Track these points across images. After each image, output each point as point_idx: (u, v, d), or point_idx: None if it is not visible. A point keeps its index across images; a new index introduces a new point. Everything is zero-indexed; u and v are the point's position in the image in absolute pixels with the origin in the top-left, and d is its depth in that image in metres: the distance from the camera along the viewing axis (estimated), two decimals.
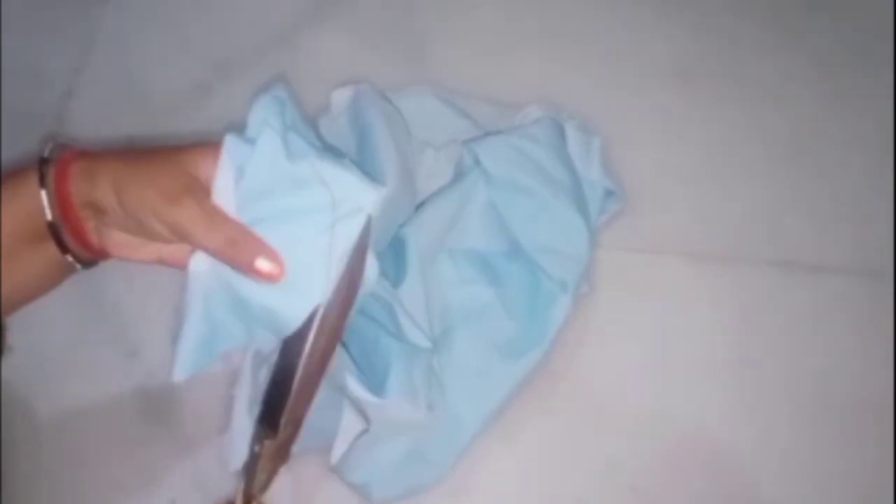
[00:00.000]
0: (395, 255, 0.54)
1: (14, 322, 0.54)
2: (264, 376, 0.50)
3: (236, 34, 0.66)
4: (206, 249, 0.38)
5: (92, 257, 0.40)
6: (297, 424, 0.40)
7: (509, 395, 0.51)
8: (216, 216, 0.38)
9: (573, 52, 0.65)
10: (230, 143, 0.39)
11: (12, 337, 0.54)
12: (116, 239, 0.40)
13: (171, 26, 0.67)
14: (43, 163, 0.38)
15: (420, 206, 0.55)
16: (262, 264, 0.38)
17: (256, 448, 0.40)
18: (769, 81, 0.64)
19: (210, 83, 0.64)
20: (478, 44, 0.66)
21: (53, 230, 0.38)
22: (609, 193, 0.57)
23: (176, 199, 0.37)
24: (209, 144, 0.40)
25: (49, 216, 0.38)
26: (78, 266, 0.40)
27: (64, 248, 0.39)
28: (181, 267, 0.40)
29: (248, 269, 0.38)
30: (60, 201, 0.38)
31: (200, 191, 0.39)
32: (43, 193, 0.37)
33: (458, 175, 0.57)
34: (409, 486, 0.50)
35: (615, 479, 0.51)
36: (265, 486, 0.41)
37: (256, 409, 0.50)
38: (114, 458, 0.52)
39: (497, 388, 0.51)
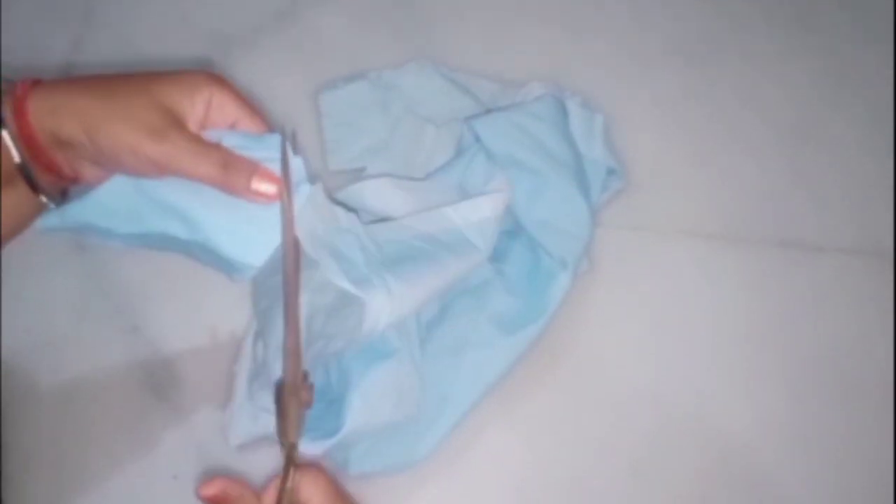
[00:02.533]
0: None
1: (13, 296, 0.54)
2: (262, 352, 0.51)
3: (236, 9, 0.66)
4: (199, 178, 0.37)
5: (63, 193, 0.39)
6: (296, 356, 0.40)
7: (506, 370, 0.51)
8: (203, 144, 0.37)
9: (576, 29, 0.64)
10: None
11: (10, 311, 0.54)
12: (89, 170, 0.38)
13: (171, 0, 0.66)
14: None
15: None
16: (259, 185, 0.37)
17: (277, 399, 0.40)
18: (772, 60, 0.64)
19: (209, 58, 0.64)
20: (480, 20, 0.65)
21: (23, 171, 0.36)
22: (611, 171, 0.57)
23: (159, 133, 0.36)
24: (181, 74, 0.38)
25: (17, 157, 0.36)
26: (51, 205, 0.38)
27: (35, 189, 0.37)
28: None
29: (246, 192, 0.37)
30: (25, 140, 0.36)
31: (179, 121, 0.37)
32: (5, 133, 0.35)
33: (460, 152, 0.57)
34: (391, 461, 0.50)
35: (613, 457, 0.51)
36: (298, 433, 0.40)
37: (257, 384, 0.50)
38: (115, 433, 0.52)
39: (494, 361, 0.51)
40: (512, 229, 0.55)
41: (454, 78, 0.61)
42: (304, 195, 0.41)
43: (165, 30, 0.65)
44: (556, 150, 0.54)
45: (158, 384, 0.53)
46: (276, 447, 0.49)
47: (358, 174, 0.58)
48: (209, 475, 0.39)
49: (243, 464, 0.50)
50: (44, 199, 0.38)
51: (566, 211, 0.53)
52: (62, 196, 0.39)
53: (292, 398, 0.39)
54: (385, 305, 0.45)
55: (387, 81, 0.61)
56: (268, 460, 0.50)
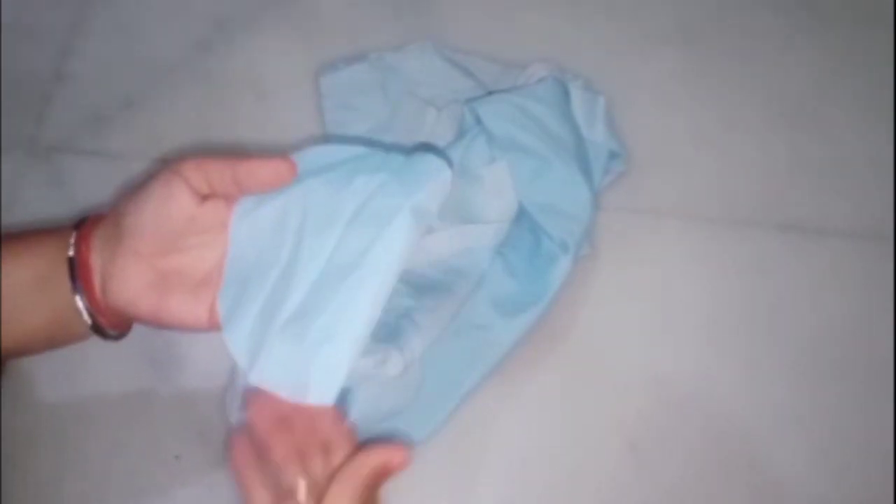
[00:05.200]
0: None
1: None
2: None
3: None
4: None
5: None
6: None
7: (507, 352, 0.51)
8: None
9: (578, 11, 0.64)
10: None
11: None
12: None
13: None
14: (70, 263, 0.38)
15: None
16: None
17: None
18: (774, 43, 0.64)
19: (210, 40, 0.63)
20: (482, 1, 0.65)
21: (96, 330, 0.40)
22: (613, 154, 0.57)
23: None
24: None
25: (88, 319, 0.39)
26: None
27: (104, 336, 0.41)
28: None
29: None
30: (93, 304, 0.39)
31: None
32: (77, 299, 0.38)
33: (461, 134, 0.57)
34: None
35: (614, 439, 0.52)
36: None
37: None
38: (116, 413, 0.52)
39: (495, 343, 0.51)
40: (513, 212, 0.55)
41: (455, 59, 0.61)
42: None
43: (166, 11, 0.65)
44: (557, 133, 0.54)
45: (160, 364, 0.53)
46: None
47: None
48: None
49: None
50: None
51: (568, 194, 0.53)
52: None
53: None
54: (418, 344, 0.48)
55: (388, 63, 0.61)
56: None
